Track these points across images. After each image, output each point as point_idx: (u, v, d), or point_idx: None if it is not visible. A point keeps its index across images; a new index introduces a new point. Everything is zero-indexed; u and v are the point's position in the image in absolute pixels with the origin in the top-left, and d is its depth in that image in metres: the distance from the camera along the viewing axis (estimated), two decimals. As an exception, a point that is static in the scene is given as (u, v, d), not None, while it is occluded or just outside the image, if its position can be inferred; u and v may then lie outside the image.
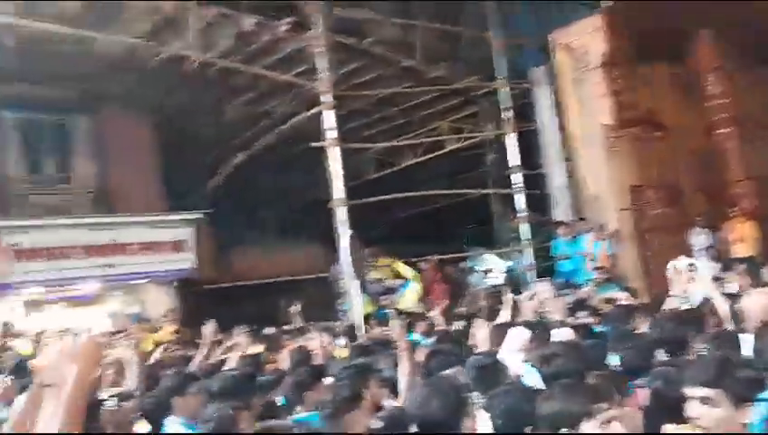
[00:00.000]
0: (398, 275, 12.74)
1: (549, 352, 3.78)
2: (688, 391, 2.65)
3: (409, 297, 11.79)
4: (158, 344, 9.09)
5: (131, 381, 4.55)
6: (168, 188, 14.14)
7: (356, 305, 11.11)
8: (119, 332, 11.09)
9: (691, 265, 5.53)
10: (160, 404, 4.41)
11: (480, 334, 5.36)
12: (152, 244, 13.02)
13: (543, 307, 5.26)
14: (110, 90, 12.82)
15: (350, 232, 10.95)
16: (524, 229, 13.30)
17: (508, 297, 6.68)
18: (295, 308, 10.17)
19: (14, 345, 10.31)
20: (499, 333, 4.89)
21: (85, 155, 13.49)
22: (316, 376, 4.67)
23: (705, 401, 2.57)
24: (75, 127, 13.45)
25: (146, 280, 13.24)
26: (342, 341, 8.09)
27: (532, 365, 4.01)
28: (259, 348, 6.87)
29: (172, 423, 4.36)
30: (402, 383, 3.89)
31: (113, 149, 13.42)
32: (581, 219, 12.20)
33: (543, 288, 5.01)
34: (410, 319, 8.47)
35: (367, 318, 10.90)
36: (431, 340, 6.48)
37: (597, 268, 10.87)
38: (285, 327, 10.35)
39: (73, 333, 10.03)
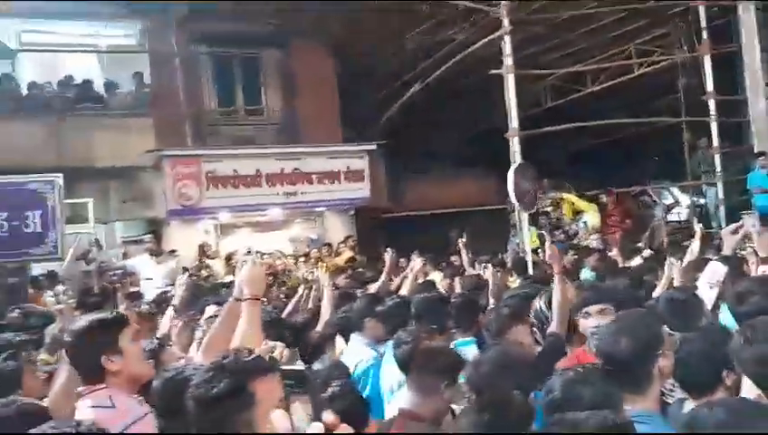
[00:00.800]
0: (573, 209, 12.36)
1: (744, 289, 3.45)
2: None
3: (588, 230, 11.43)
4: (337, 269, 9.49)
5: (326, 301, 4.80)
6: (347, 119, 14.51)
7: (525, 238, 10.92)
8: (302, 255, 11.78)
9: None
10: (351, 322, 4.65)
11: (671, 272, 5.08)
12: (331, 173, 13.51)
13: (746, 242, 4.82)
14: (297, 23, 13.22)
15: (519, 163, 10.64)
16: (717, 161, 12.29)
17: (698, 232, 6.26)
18: (462, 240, 10.16)
19: (211, 264, 11.26)
20: (694, 268, 4.57)
21: (273, 87, 14.14)
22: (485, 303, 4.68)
23: None
24: (265, 61, 14.10)
25: (325, 208, 13.82)
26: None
27: (726, 304, 3.72)
28: (437, 276, 6.97)
29: (355, 341, 4.55)
30: (555, 309, 3.82)
31: (298, 82, 13.94)
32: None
33: (749, 222, 4.54)
34: (581, 254, 8.20)
35: (535, 251, 10.69)
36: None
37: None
38: (454, 258, 10.39)
39: (248, 255, 10.80)
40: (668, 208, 14.02)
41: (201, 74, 13.60)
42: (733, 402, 2.14)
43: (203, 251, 11.86)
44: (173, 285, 8.66)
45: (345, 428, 1.23)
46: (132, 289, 9.27)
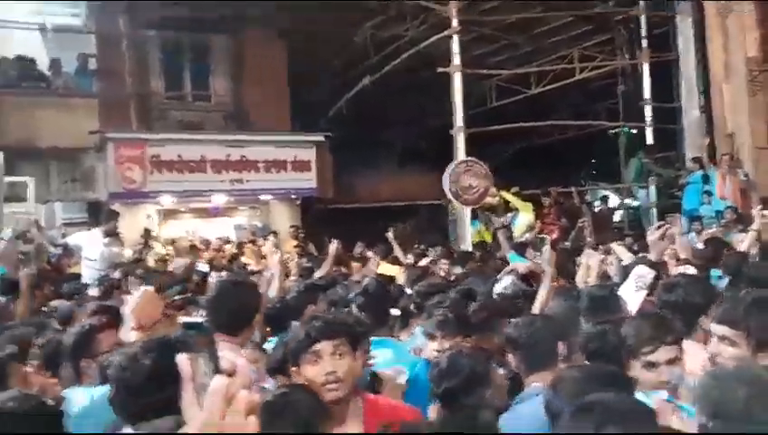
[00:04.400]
0: (507, 205, 12.70)
1: (674, 282, 3.78)
2: (713, 326, 2.65)
3: (520, 228, 11.75)
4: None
5: (274, 289, 4.82)
6: (296, 109, 14.53)
7: (466, 232, 11.29)
8: (248, 242, 11.81)
9: None
10: (288, 310, 4.67)
11: (591, 264, 5.39)
12: (278, 162, 13.52)
13: (669, 245, 5.15)
14: (249, 11, 13.17)
15: (461, 159, 11.00)
16: (651, 165, 12.82)
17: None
18: (389, 234, 10.36)
19: (154, 246, 11.18)
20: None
21: (222, 74, 14.06)
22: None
23: (722, 339, 2.58)
24: (214, 47, 14.01)
25: (271, 196, 13.84)
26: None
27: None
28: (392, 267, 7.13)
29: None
30: (537, 305, 4.13)
31: (248, 69, 13.89)
32: (716, 156, 11.60)
33: (673, 225, 4.87)
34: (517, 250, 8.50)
35: (481, 245, 11.01)
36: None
37: (728, 208, 10.34)
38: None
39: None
40: (613, 210, 14.54)
41: (149, 58, 13.43)
42: None
43: (148, 235, 11.75)
44: (111, 268, 8.60)
45: (243, 372, 1.22)
46: (71, 270, 9.15)
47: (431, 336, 3.45)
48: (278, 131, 13.85)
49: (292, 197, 14.01)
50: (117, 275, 7.95)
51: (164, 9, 12.74)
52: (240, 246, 11.87)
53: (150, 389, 1.87)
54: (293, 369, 2.53)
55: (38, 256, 9.63)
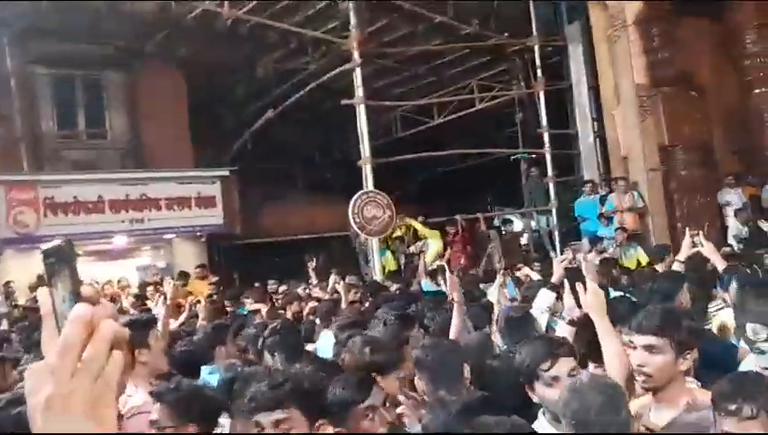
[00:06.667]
0: (415, 234, 12.80)
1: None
2: (635, 339, 2.70)
3: (430, 256, 11.86)
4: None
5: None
6: (198, 145, 14.21)
7: (376, 263, 11.31)
8: (152, 284, 11.35)
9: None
10: (197, 352, 4.47)
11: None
12: (181, 199, 13.16)
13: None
14: (144, 46, 12.85)
15: (363, 191, 11.04)
16: (551, 190, 13.23)
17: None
18: (311, 264, 10.37)
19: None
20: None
21: (118, 111, 13.58)
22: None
23: (649, 348, 2.62)
24: (109, 83, 13.53)
25: (174, 235, 13.42)
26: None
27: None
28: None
29: (203, 372, 4.43)
30: (453, 331, 4.07)
31: (145, 106, 13.49)
32: (611, 179, 12.09)
33: (581, 249, 5.01)
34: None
35: (391, 275, 11.02)
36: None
37: (618, 229, 10.71)
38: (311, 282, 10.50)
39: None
40: (519, 234, 14.89)
41: (39, 96, 12.86)
42: None
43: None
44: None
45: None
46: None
47: None
48: (180, 168, 13.49)
49: (198, 234, 13.64)
50: (4, 326, 7.51)
51: (53, 45, 12.25)
52: (143, 287, 11.39)
53: None
54: None
55: None
